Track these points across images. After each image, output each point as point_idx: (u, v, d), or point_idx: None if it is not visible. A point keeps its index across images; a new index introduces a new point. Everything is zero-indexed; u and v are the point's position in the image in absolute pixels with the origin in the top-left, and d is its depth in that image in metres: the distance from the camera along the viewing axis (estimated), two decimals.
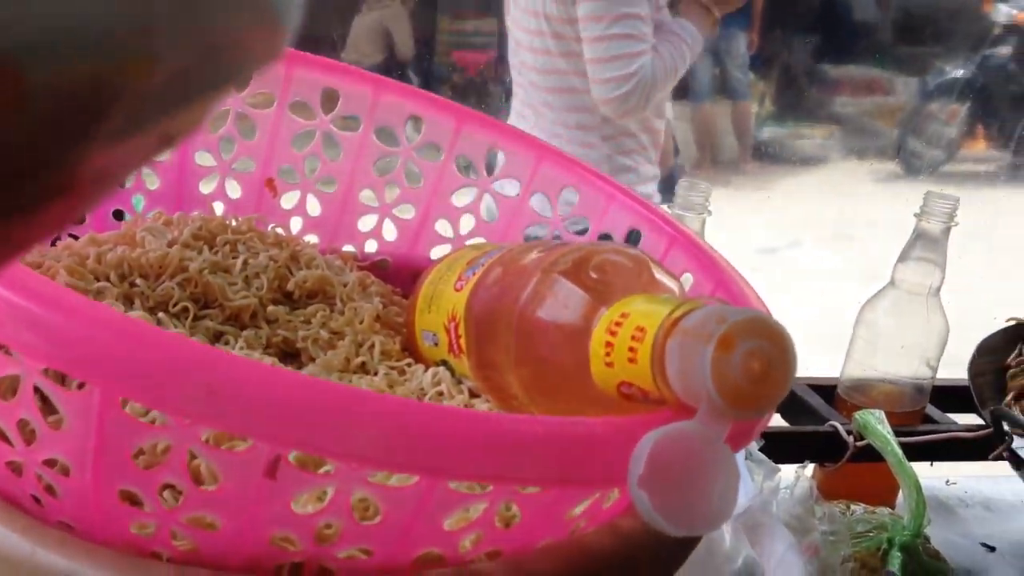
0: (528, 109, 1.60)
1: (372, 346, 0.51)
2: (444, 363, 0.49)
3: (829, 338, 1.20)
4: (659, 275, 0.40)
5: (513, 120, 1.62)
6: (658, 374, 0.34)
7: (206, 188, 0.62)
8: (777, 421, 0.99)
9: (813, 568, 0.71)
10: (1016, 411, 0.90)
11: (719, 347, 0.31)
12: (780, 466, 0.81)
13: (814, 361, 1.12)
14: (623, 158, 1.57)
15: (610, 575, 0.36)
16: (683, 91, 4.10)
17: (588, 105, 1.52)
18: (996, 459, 0.81)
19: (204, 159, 0.63)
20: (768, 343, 0.32)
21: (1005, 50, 3.70)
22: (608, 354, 0.36)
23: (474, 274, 0.47)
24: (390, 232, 0.64)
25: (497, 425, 0.30)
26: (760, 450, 0.82)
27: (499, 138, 0.61)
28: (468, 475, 0.30)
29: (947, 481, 1.08)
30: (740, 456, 0.78)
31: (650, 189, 1.62)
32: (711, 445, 0.32)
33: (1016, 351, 0.97)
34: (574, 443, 0.31)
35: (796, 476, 0.77)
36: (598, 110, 1.52)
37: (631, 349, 0.35)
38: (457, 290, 0.48)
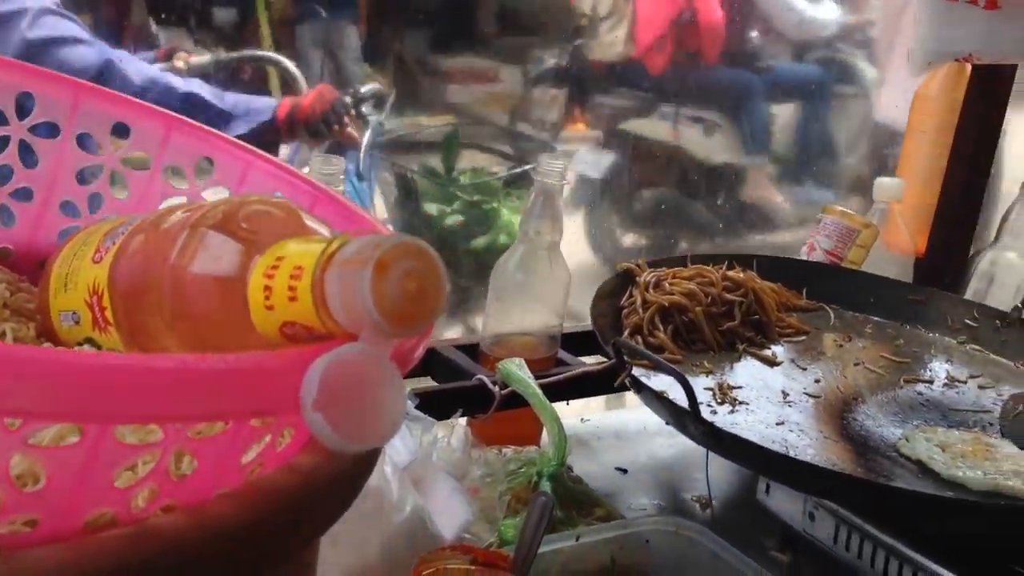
0: None
1: (3, 335, 0.47)
2: (89, 341, 0.47)
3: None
4: (309, 221, 0.41)
5: None
6: (320, 306, 0.35)
7: None
8: (429, 382, 1.04)
9: (475, 507, 0.76)
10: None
11: (376, 270, 0.33)
12: (437, 421, 0.86)
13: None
14: None
15: (292, 513, 0.37)
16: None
17: None
18: (620, 386, 0.91)
19: None
20: (420, 264, 0.34)
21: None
22: (268, 298, 0.37)
23: (114, 243, 0.45)
24: (8, 218, 0.59)
25: (167, 365, 0.30)
26: (416, 408, 0.86)
27: (123, 111, 0.58)
28: (139, 416, 0.30)
29: (582, 419, 1.19)
30: None
31: None
32: (378, 364, 0.34)
33: (628, 293, 1.09)
34: (246, 376, 0.32)
35: (451, 428, 0.82)
36: None
37: (291, 288, 0.36)
38: (96, 262, 0.46)
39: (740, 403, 0.94)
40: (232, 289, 0.38)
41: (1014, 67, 1.25)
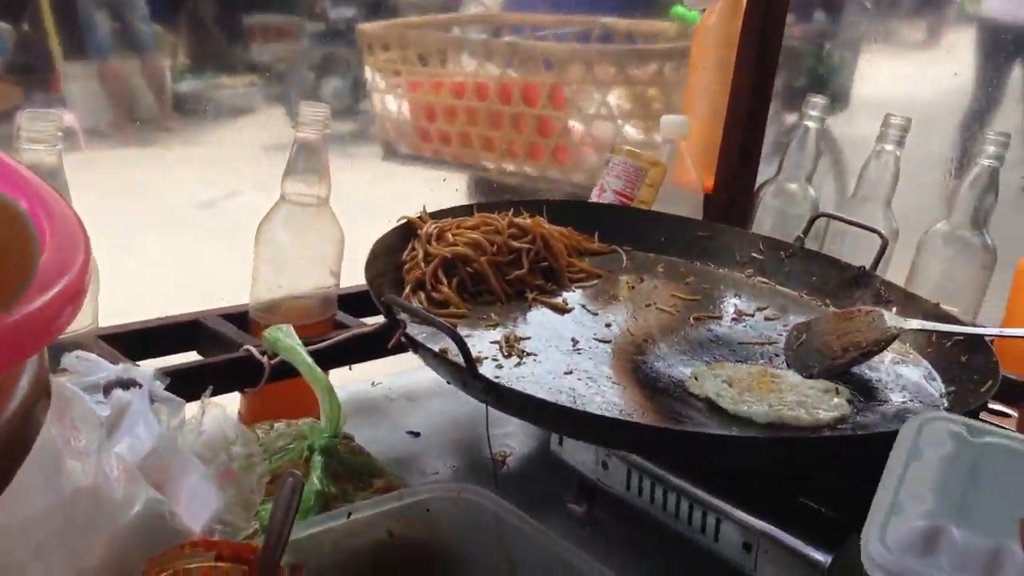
0: None
1: None
2: None
3: None
4: None
5: None
6: None
7: None
8: (192, 356, 0.95)
9: (232, 492, 0.69)
10: (415, 301, 0.95)
11: None
12: (187, 401, 0.77)
13: None
14: None
15: None
16: (80, 50, 3.80)
17: None
18: (396, 347, 0.85)
19: None
20: None
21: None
22: None
23: None
24: None
25: None
26: (169, 388, 0.77)
27: None
28: None
29: (372, 383, 1.12)
30: (144, 399, 0.73)
31: None
32: None
33: (409, 247, 1.02)
34: None
35: (202, 407, 0.74)
36: None
37: None
38: None
39: (528, 355, 0.90)
40: None
41: None
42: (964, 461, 0.53)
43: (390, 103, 2.27)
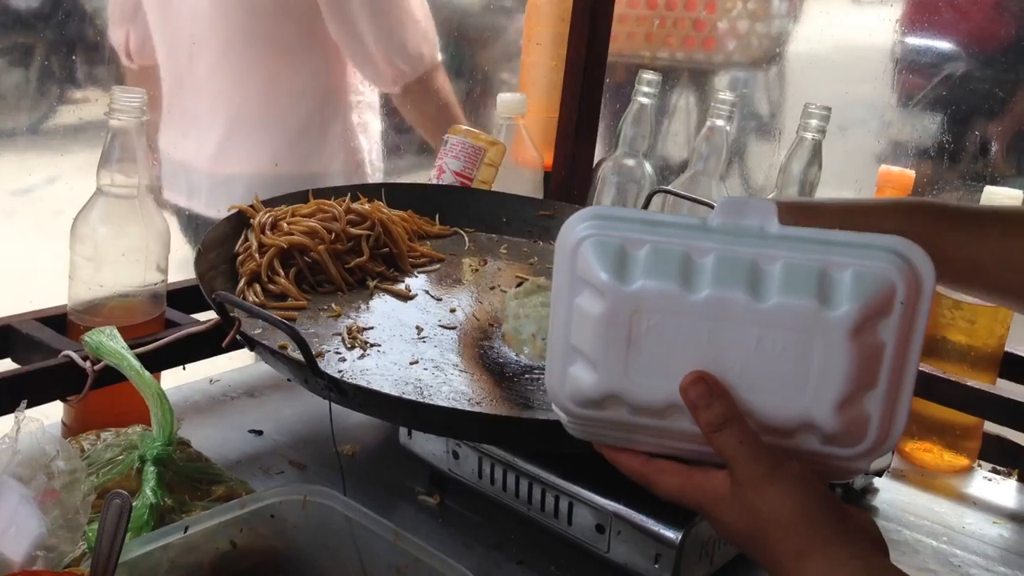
0: None
1: None
2: None
3: None
4: None
5: None
6: None
7: None
8: (5, 365, 0.88)
9: (55, 513, 0.63)
10: (250, 294, 0.91)
11: None
12: (7, 413, 0.71)
13: None
14: None
15: None
16: None
17: None
18: (231, 344, 0.81)
19: None
20: None
21: None
22: None
23: None
24: None
25: None
26: None
27: None
28: None
29: (210, 380, 1.07)
30: None
31: None
32: None
33: (242, 237, 0.97)
34: None
35: (17, 421, 0.68)
36: None
37: None
38: None
39: (372, 345, 0.87)
40: None
41: None
42: (622, 314, 0.56)
43: None
